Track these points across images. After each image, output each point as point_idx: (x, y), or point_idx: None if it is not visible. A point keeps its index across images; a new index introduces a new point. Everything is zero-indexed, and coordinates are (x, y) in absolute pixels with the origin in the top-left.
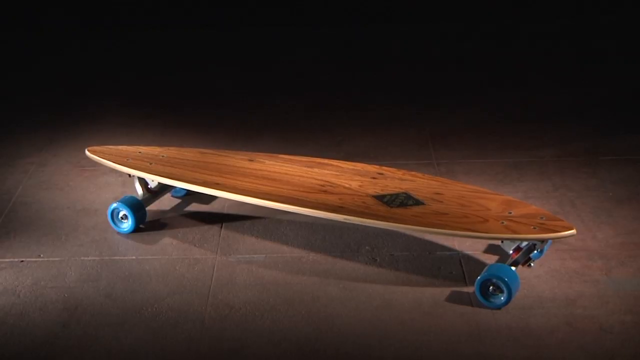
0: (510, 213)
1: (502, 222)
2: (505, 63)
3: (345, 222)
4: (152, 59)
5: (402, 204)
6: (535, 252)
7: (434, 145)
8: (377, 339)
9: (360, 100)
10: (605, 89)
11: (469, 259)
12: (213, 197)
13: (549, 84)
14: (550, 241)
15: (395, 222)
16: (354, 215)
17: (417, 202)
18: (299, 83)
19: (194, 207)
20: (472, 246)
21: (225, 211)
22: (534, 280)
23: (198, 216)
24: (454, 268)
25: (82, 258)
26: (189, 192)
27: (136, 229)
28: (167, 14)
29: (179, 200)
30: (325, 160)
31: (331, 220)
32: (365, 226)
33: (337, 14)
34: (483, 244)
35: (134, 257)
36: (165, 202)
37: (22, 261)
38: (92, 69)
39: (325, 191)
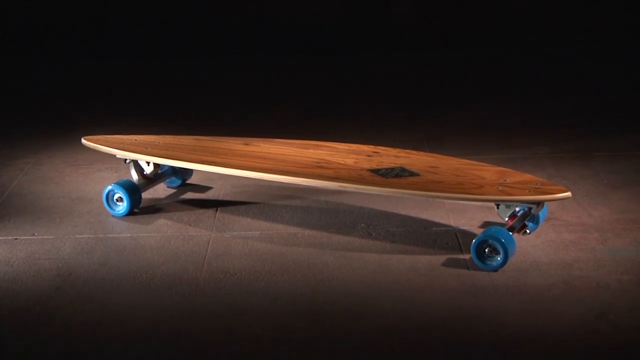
0: (506, 181)
1: (498, 188)
2: (498, 76)
3: (341, 204)
4: (151, 79)
5: (398, 176)
6: (532, 223)
7: (429, 145)
8: (373, 296)
9: (353, 109)
10: (597, 96)
11: (465, 233)
12: (209, 187)
13: (541, 94)
14: (546, 210)
15: (391, 188)
16: (349, 183)
17: (412, 174)
18: (294, 95)
19: (189, 195)
20: (468, 222)
21: (221, 198)
22: (530, 249)
23: (193, 202)
24: (450, 240)
25: (77, 236)
26: (184, 183)
27: (130, 213)
28: (167, 44)
29: (174, 190)
30: (321, 143)
31: (326, 203)
32: (360, 206)
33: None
34: (479, 220)
35: (128, 235)
36: (161, 192)
37: (15, 239)
38: (90, 85)
39: (320, 167)
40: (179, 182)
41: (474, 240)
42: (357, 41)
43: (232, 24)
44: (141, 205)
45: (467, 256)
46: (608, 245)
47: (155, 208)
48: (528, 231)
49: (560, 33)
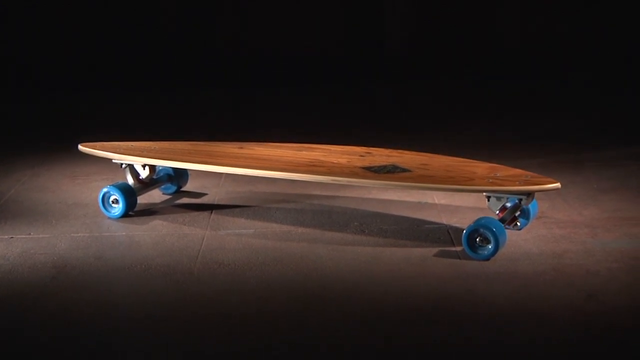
0: (497, 174)
1: (489, 180)
2: (489, 100)
3: (334, 206)
4: (149, 107)
5: (390, 172)
6: (523, 219)
7: None
8: (366, 283)
9: (347, 131)
10: (587, 116)
11: (457, 229)
12: (203, 193)
13: (532, 115)
14: (536, 207)
15: (383, 180)
16: (342, 177)
17: (404, 170)
18: (286, 117)
19: (184, 200)
20: (459, 221)
21: (216, 202)
22: (521, 242)
23: (188, 206)
24: (442, 235)
25: (72, 234)
26: (179, 190)
27: (126, 215)
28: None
29: (169, 196)
30: (314, 145)
31: (320, 205)
32: (354, 208)
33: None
34: (470, 219)
35: (124, 233)
36: (156, 197)
37: (11, 237)
38: (89, 111)
39: (314, 165)
40: (174, 188)
41: (465, 230)
42: (352, 71)
43: (230, 56)
44: (136, 209)
45: (458, 248)
46: (598, 239)
47: (150, 211)
48: (519, 224)
49: (548, 60)
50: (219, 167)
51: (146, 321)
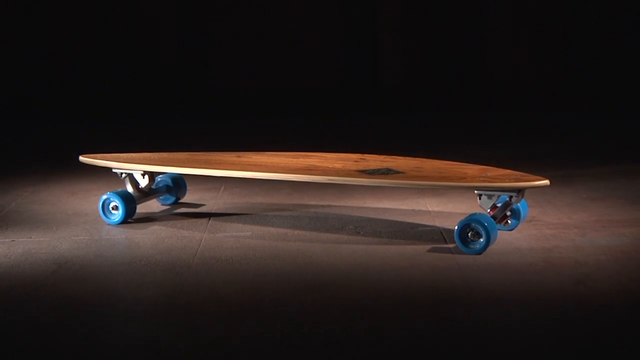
0: (487, 174)
1: (479, 179)
2: (480, 127)
3: (330, 213)
4: (145, 138)
5: (384, 174)
6: (513, 219)
7: None
8: (360, 273)
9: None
10: (576, 139)
11: (449, 231)
12: (202, 204)
13: (521, 141)
14: (527, 209)
15: (377, 179)
16: (337, 176)
17: (398, 172)
18: (285, 139)
19: (183, 209)
20: (453, 224)
21: (214, 211)
22: (512, 240)
23: (187, 214)
24: (435, 236)
25: (73, 237)
26: (177, 201)
27: (125, 222)
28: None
29: (167, 207)
30: (310, 153)
31: (316, 212)
32: (349, 214)
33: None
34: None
35: (123, 236)
36: (154, 207)
37: (12, 240)
38: (86, 138)
39: (310, 169)
40: (172, 199)
41: (457, 225)
42: (346, 103)
43: (224, 89)
44: (135, 217)
45: (451, 245)
46: (587, 237)
47: (149, 218)
48: (509, 222)
49: (534, 91)
50: (217, 170)
51: (145, 309)
